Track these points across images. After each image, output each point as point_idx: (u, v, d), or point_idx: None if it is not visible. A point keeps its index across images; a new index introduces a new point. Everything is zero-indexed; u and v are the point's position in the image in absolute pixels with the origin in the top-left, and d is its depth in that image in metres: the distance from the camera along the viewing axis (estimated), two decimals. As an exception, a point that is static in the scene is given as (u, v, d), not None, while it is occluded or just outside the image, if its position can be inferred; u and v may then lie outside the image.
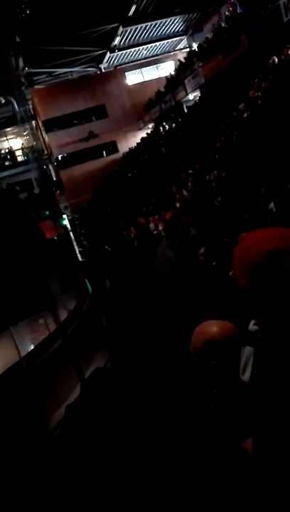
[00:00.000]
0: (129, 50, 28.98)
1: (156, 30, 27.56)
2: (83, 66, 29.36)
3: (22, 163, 27.22)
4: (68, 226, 25.18)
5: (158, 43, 29.75)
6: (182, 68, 27.16)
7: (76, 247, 24.04)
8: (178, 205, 13.87)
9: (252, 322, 1.40)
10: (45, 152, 28.60)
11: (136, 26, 25.98)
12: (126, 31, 26.20)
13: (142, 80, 31.09)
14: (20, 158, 27.34)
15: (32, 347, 7.08)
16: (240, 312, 1.42)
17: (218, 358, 1.54)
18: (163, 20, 26.52)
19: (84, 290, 10.86)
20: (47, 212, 25.08)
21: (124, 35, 26.75)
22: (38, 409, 6.01)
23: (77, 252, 23.52)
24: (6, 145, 28.29)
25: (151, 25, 26.50)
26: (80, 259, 22.63)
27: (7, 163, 26.98)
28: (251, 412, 1.27)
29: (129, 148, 28.84)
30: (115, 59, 29.78)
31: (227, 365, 1.54)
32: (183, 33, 29.63)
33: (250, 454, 1.13)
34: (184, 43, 30.60)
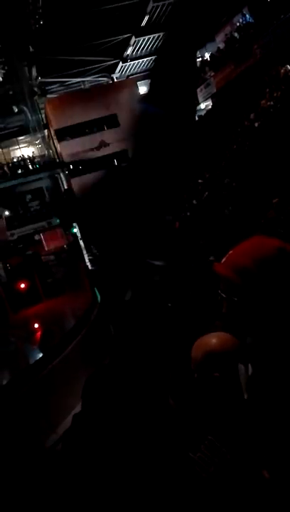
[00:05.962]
0: (141, 60, 29.15)
1: (168, 40, 27.71)
2: (95, 76, 29.56)
3: (34, 171, 27.34)
4: (78, 234, 25.25)
5: (170, 53, 29.88)
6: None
7: (86, 256, 24.08)
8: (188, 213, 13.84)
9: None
10: (57, 161, 28.76)
11: (148, 36, 26.17)
12: (138, 41, 26.40)
13: (154, 90, 31.16)
14: (31, 167, 27.49)
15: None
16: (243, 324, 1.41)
17: (220, 369, 1.54)
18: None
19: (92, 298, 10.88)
20: (58, 221, 25.19)
21: (136, 46, 26.96)
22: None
23: (87, 261, 23.55)
24: (18, 153, 28.47)
25: (164, 35, 26.71)
26: (90, 267, 22.65)
27: (19, 171, 27.09)
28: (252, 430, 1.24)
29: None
30: (127, 69, 29.96)
31: (229, 377, 1.54)
32: (195, 43, 29.75)
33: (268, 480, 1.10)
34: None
